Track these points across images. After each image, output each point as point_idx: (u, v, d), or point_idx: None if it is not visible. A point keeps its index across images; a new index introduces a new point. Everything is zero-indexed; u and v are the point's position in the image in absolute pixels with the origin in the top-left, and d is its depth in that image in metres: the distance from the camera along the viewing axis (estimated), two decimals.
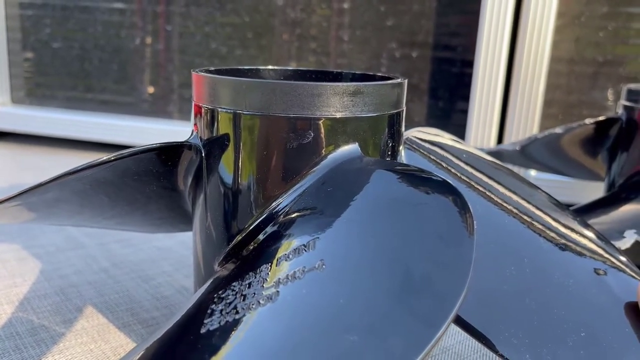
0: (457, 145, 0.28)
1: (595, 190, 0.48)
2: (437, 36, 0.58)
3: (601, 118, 0.38)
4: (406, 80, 0.23)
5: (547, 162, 0.46)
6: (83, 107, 0.69)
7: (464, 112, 0.58)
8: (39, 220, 0.32)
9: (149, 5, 0.65)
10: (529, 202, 0.25)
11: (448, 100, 0.59)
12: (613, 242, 0.29)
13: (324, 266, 0.16)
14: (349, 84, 0.20)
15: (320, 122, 0.20)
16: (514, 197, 0.25)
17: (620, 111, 0.38)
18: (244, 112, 0.20)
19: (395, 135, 0.22)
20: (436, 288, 0.15)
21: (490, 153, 0.46)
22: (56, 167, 0.61)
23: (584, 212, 0.33)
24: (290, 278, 0.16)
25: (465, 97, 0.57)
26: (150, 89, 0.68)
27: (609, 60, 0.54)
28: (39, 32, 0.69)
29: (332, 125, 0.20)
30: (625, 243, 0.29)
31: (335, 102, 0.20)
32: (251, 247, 0.20)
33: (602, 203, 0.33)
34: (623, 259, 0.25)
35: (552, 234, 0.24)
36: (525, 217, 0.24)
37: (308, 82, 0.20)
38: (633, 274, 0.24)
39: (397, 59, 0.59)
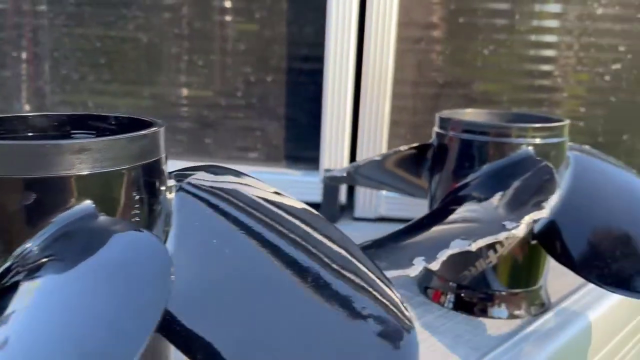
0: (243, 189, 0.28)
1: None
2: (289, 61, 0.59)
3: (414, 145, 0.40)
4: (161, 128, 0.23)
5: (380, 182, 0.48)
6: None
7: (318, 134, 0.59)
8: None
9: None
10: (305, 241, 0.26)
11: (304, 123, 0.60)
12: (404, 270, 0.30)
13: (6, 345, 0.16)
14: (73, 142, 0.20)
15: (44, 182, 0.19)
16: (290, 237, 0.26)
17: (433, 137, 0.41)
18: None
19: (148, 187, 0.22)
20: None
21: (330, 178, 0.47)
22: None
23: (388, 241, 0.34)
24: None
25: (319, 118, 0.59)
26: None
27: (449, 81, 0.57)
28: None
29: (58, 185, 0.20)
30: (414, 270, 0.30)
31: (59, 161, 0.19)
32: None
33: (401, 233, 0.34)
34: (394, 297, 0.26)
35: (315, 273, 0.24)
36: (288, 256, 0.24)
37: (27, 142, 0.19)
38: (403, 317, 0.25)
39: (252, 83, 0.59)
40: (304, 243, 0.26)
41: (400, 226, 0.37)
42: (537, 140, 0.37)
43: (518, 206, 0.32)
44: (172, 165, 0.26)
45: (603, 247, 0.35)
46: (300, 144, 0.61)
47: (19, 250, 0.19)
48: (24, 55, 0.62)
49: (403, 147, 0.40)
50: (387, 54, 0.55)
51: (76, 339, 0.16)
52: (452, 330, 0.37)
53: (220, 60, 0.59)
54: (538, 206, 0.31)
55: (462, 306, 0.40)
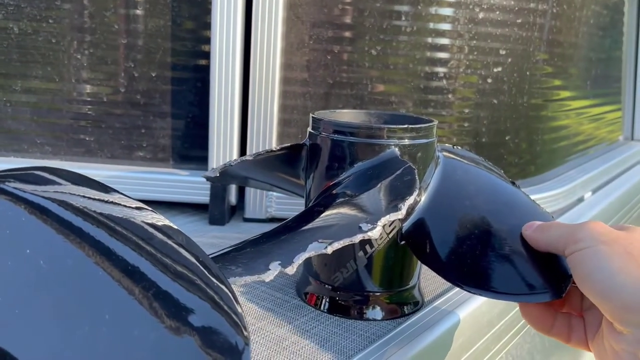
0: (73, 192, 0.26)
1: None
2: (174, 56, 0.56)
3: (287, 145, 0.39)
4: None
5: (258, 181, 0.46)
6: None
7: (207, 132, 0.57)
8: None
9: None
10: (137, 246, 0.24)
11: (192, 121, 0.58)
12: (259, 275, 0.29)
13: None
14: None
15: None
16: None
17: (307, 137, 0.40)
18: None
19: None
20: None
21: (206, 177, 0.45)
22: None
23: (249, 245, 0.33)
24: None
25: (207, 116, 0.57)
26: None
27: (339, 81, 0.57)
28: None
29: None
30: (269, 275, 0.29)
31: None
32: None
33: (265, 236, 0.33)
34: (234, 310, 0.24)
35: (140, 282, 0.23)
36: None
37: None
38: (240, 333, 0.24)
39: (136, 78, 0.57)
40: (134, 248, 0.24)
41: None
42: (406, 141, 0.37)
43: (378, 207, 0.32)
44: (47, 164, 0.24)
45: (464, 247, 0.35)
46: (188, 142, 0.58)
47: None
48: None
49: (275, 147, 0.39)
50: (275, 52, 0.54)
51: None
52: (320, 334, 0.36)
53: (102, 53, 0.56)
54: (395, 208, 0.31)
55: (338, 309, 0.39)
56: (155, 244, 0.25)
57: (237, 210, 0.61)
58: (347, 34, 0.56)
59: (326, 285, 0.40)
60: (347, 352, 0.34)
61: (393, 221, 0.34)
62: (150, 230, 0.26)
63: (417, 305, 0.41)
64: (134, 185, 0.56)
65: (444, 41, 0.58)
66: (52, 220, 0.23)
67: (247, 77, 0.55)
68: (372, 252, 0.38)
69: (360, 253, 0.38)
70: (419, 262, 0.40)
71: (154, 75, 0.57)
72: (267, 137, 0.56)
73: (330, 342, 0.35)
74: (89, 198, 0.26)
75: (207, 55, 0.55)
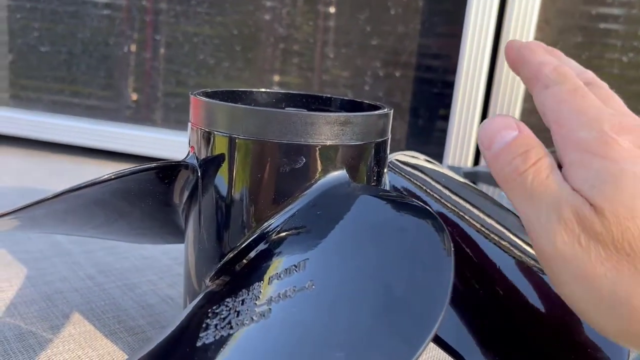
0: (435, 168, 0.29)
1: None
2: (419, 57, 0.60)
3: None
4: (392, 111, 0.25)
5: None
6: (68, 112, 0.70)
7: (443, 131, 0.60)
8: (22, 229, 0.33)
9: (138, 14, 0.66)
10: (502, 225, 0.27)
11: (428, 119, 0.61)
12: None
13: (313, 286, 0.18)
14: (339, 114, 0.22)
15: (312, 148, 0.21)
16: (489, 221, 0.27)
17: None
18: (240, 137, 0.22)
19: (380, 162, 0.24)
20: (416, 309, 0.16)
21: (468, 173, 0.48)
22: (37, 170, 0.61)
23: None
24: (282, 296, 0.18)
25: (445, 117, 0.59)
26: (134, 96, 0.68)
27: None
28: (26, 36, 0.69)
29: (323, 152, 0.22)
30: None
31: (327, 131, 0.21)
32: (243, 264, 0.21)
33: None
34: None
35: (523, 256, 0.25)
36: (503, 242, 0.25)
37: (302, 112, 0.21)
38: None
39: (381, 77, 0.61)
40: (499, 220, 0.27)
41: None
42: None
43: None
44: None
45: None
46: (422, 139, 0.62)
47: (287, 210, 0.21)
48: (163, 39, 0.66)
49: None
50: None
51: (380, 285, 0.17)
52: None
53: (352, 54, 0.61)
54: None
55: None
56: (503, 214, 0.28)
57: None
58: (597, 39, 0.56)
59: None
60: None
61: None
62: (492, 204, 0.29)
63: None
64: None
65: None
66: (427, 187, 0.27)
67: (492, 80, 0.57)
68: None
69: None
70: None
71: (397, 75, 0.61)
72: None
73: None
74: (440, 169, 0.30)
75: (449, 57, 0.58)
